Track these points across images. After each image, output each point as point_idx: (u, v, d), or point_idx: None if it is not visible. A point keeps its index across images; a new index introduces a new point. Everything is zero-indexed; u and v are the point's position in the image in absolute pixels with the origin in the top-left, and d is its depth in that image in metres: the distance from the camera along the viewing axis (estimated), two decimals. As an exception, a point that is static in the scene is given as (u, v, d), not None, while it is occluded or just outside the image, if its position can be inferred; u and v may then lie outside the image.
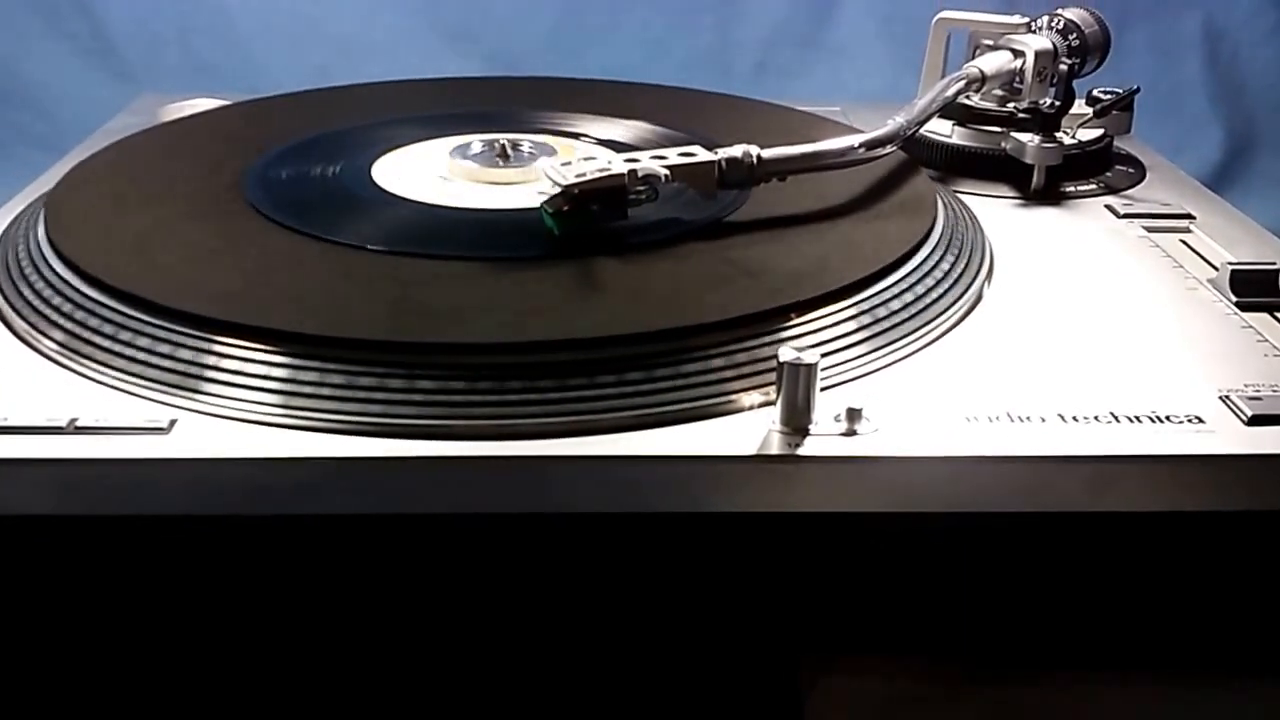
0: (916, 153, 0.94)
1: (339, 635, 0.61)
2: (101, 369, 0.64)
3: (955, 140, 0.97)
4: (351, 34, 1.71)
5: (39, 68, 1.69)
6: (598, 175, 0.73)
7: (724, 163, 0.77)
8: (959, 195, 0.91)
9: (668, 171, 0.75)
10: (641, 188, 0.74)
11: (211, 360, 0.63)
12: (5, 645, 0.60)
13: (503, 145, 0.89)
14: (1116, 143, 1.01)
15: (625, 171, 0.74)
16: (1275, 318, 0.73)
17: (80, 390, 0.63)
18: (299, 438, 0.60)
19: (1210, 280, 0.78)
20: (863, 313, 0.69)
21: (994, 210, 0.90)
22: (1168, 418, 0.62)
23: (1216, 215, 0.90)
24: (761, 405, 0.62)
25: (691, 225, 0.78)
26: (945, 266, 0.75)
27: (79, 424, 0.59)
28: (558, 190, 0.73)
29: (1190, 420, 0.62)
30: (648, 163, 0.75)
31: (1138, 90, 0.99)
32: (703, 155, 0.77)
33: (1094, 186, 0.95)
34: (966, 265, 0.77)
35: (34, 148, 1.55)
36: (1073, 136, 0.96)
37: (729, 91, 1.13)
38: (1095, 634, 0.61)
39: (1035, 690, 0.63)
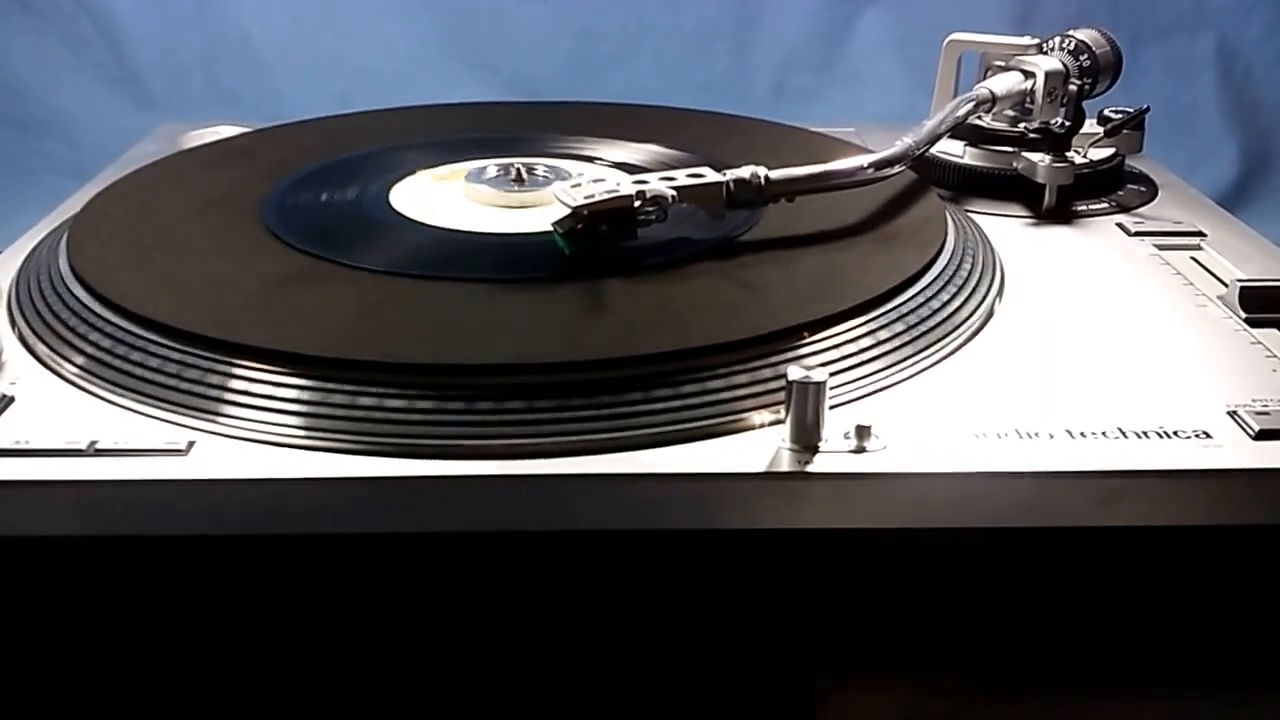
0: (929, 173, 0.94)
1: (359, 655, 0.61)
2: (121, 392, 0.65)
3: (967, 160, 0.98)
4: (372, 64, 1.72)
5: (66, 97, 1.71)
6: (605, 196, 0.74)
7: (732, 184, 0.77)
8: (971, 215, 0.91)
9: (675, 192, 0.75)
10: (650, 208, 0.75)
11: (229, 383, 0.63)
12: (27, 665, 0.61)
13: (518, 169, 0.89)
14: (1129, 162, 1.01)
15: (633, 192, 0.74)
16: (1284, 333, 0.74)
17: (100, 413, 0.63)
18: (316, 458, 0.60)
19: (1220, 297, 0.78)
20: (873, 331, 0.69)
21: (1006, 229, 0.90)
22: (1175, 433, 0.62)
23: (1228, 233, 0.90)
24: (772, 423, 0.63)
25: (703, 245, 0.78)
26: (956, 285, 0.75)
27: (99, 446, 0.60)
28: (568, 211, 0.74)
29: (1198, 435, 0.62)
30: (655, 184, 0.76)
31: (1148, 109, 0.99)
32: (711, 176, 0.78)
33: (1105, 205, 0.95)
34: (976, 283, 0.77)
35: (61, 175, 1.56)
36: (1084, 156, 0.96)
37: (746, 115, 1.14)
38: (1105, 648, 0.61)
39: (1046, 705, 0.63)
